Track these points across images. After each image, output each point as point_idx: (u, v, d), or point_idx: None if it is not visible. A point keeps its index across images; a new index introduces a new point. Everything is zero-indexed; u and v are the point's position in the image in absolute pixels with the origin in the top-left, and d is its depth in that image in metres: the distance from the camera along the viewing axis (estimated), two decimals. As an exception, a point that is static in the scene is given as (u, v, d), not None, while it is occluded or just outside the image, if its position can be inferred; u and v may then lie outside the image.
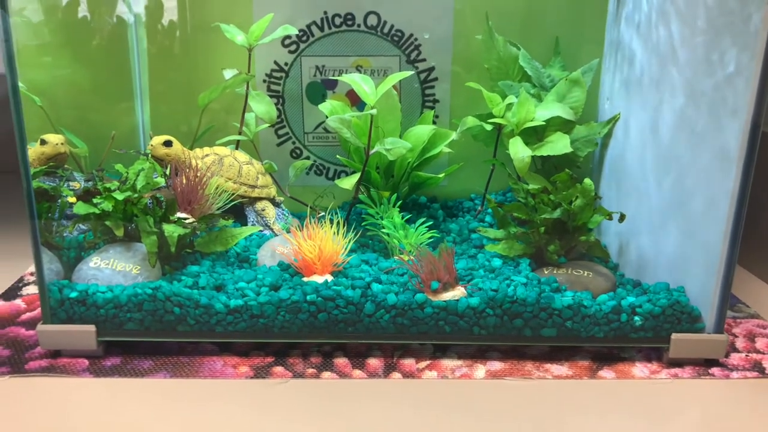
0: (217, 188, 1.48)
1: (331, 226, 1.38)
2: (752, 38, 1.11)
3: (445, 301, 1.29)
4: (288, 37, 1.73)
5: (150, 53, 1.76)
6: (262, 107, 1.61)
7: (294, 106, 1.81)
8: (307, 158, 1.84)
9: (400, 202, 1.59)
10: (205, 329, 1.28)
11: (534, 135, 1.53)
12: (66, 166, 1.60)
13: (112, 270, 1.32)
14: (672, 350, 1.30)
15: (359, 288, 1.30)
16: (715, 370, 1.31)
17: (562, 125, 1.51)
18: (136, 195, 1.31)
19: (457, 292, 1.30)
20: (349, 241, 1.39)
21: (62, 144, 1.55)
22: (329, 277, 1.34)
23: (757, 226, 1.18)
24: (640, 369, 1.31)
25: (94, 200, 1.30)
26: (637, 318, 1.29)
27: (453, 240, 1.66)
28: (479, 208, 1.74)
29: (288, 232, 1.62)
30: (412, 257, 1.35)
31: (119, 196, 1.28)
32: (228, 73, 1.62)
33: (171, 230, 1.28)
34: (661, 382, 1.27)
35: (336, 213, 1.77)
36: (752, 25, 1.11)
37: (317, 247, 1.33)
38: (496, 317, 1.29)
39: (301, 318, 1.28)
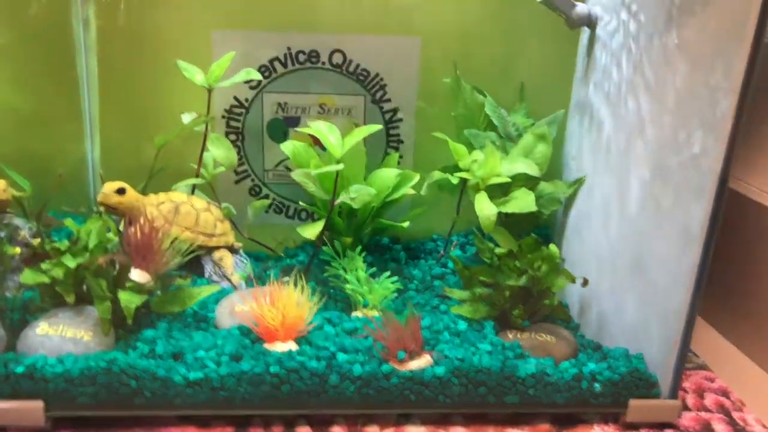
0: (174, 241, 1.42)
1: (294, 287, 1.34)
2: (719, 122, 1.12)
3: (411, 371, 1.27)
4: (249, 76, 1.66)
5: (102, 83, 1.67)
6: (221, 152, 1.55)
7: (254, 143, 1.75)
8: (266, 197, 1.79)
9: (363, 254, 1.56)
10: (163, 402, 1.23)
11: (499, 189, 1.52)
12: (8, 210, 1.51)
13: (61, 337, 1.26)
14: (629, 415, 1.32)
15: (324, 359, 1.27)
16: (668, 432, 1.34)
17: (527, 180, 1.51)
18: (88, 259, 1.24)
19: (423, 361, 1.29)
20: (314, 307, 1.35)
21: (3, 191, 1.45)
22: (292, 345, 1.31)
23: (713, 272, 1.22)
24: (597, 431, 1.33)
25: (43, 265, 1.22)
26: (597, 385, 1.31)
27: (416, 288, 1.64)
28: (441, 251, 1.73)
29: (247, 281, 1.58)
30: (375, 323, 1.32)
31: (70, 263, 1.21)
32: (186, 117, 1.55)
33: (128, 299, 1.22)
34: (619, 447, 1.30)
35: (296, 256, 1.75)
36: (719, 110, 1.12)
37: (280, 314, 1.29)
38: (461, 386, 1.29)
39: (263, 389, 1.25)
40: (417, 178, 1.64)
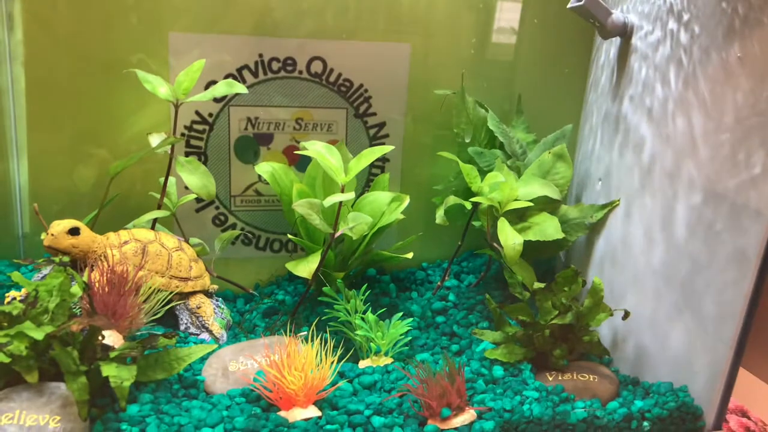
0: (149, 289, 1.16)
1: (312, 343, 1.12)
2: (783, 141, 1.05)
3: (456, 428, 1.10)
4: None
5: (29, 96, 1.35)
6: (195, 180, 1.29)
7: (219, 165, 1.50)
8: (233, 226, 1.54)
9: (369, 290, 1.36)
10: (161, 499, 0.98)
11: (514, 214, 1.38)
12: None
13: (19, 427, 0.96)
14: (676, 452, 1.23)
15: (359, 425, 1.07)
16: (713, 467, 1.26)
17: (545, 204, 1.38)
18: (56, 326, 0.96)
19: (467, 416, 1.12)
20: (335, 363, 1.14)
21: None
22: (314, 410, 1.09)
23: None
24: (646, 475, 1.23)
25: (-6, 338, 0.93)
26: (645, 423, 1.21)
27: (418, 325, 1.47)
28: (438, 282, 1.57)
29: (226, 329, 1.33)
30: (411, 376, 1.14)
31: (36, 334, 0.92)
32: (155, 139, 1.27)
33: (117, 375, 0.95)
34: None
35: (273, 294, 1.52)
36: (784, 128, 1.05)
37: (303, 377, 1.07)
38: (509, 441, 1.13)
39: (288, 470, 1.03)
40: (407, 200, 1.47)
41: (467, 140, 1.45)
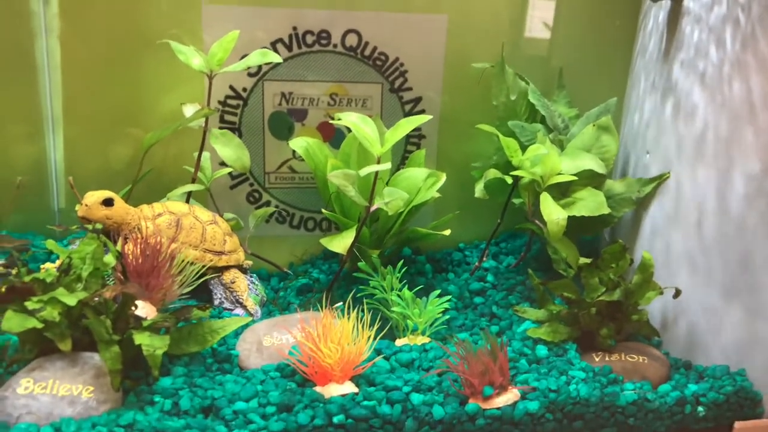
0: (183, 262, 1.14)
1: (348, 317, 1.09)
2: None
3: (499, 408, 1.05)
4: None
5: (65, 71, 1.34)
6: (230, 152, 1.27)
7: (253, 141, 1.47)
8: (267, 203, 1.52)
9: (404, 269, 1.32)
10: (199, 472, 0.95)
11: (557, 189, 1.32)
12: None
13: (52, 396, 0.94)
14: (733, 439, 1.16)
15: (398, 402, 1.03)
16: (770, 456, 1.19)
17: (590, 179, 1.32)
18: (89, 294, 0.93)
19: (511, 396, 1.07)
20: (372, 337, 1.11)
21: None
22: (351, 386, 1.06)
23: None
24: (700, 463, 1.16)
25: (29, 304, 0.91)
26: (700, 408, 1.14)
27: (455, 306, 1.42)
28: (476, 263, 1.52)
29: (261, 306, 1.30)
30: (452, 353, 1.10)
31: (69, 300, 0.90)
32: (189, 110, 1.25)
33: (150, 344, 0.93)
34: (728, 479, 1.14)
35: (307, 272, 1.49)
36: None
37: (339, 351, 1.03)
38: (555, 422, 1.08)
39: (325, 446, 0.99)
40: (444, 178, 1.42)
41: (506, 114, 1.40)
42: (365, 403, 1.01)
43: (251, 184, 1.50)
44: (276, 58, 1.27)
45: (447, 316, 1.30)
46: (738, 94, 1.10)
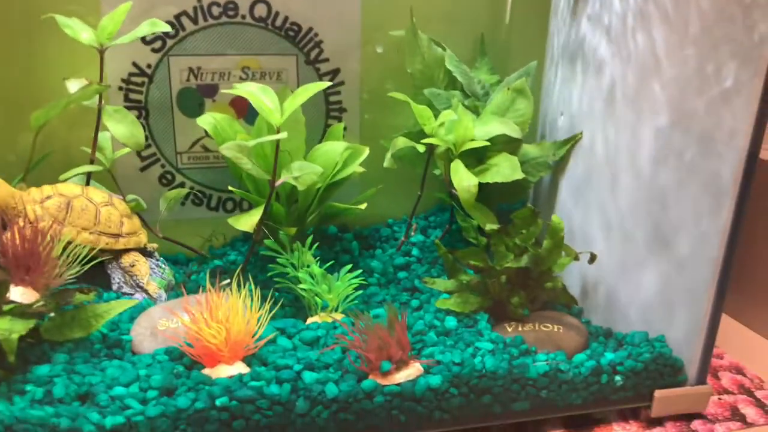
0: (68, 245, 1.07)
1: (238, 294, 1.03)
2: (756, 50, 0.93)
3: (399, 384, 1.00)
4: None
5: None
6: (123, 129, 1.21)
7: (161, 120, 1.41)
8: (182, 185, 1.46)
9: (316, 245, 1.26)
10: (70, 464, 0.89)
11: (473, 156, 1.27)
12: None
13: None
14: (654, 408, 1.12)
15: (287, 381, 0.97)
16: (697, 424, 1.15)
17: (506, 144, 1.27)
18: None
19: (413, 370, 1.02)
20: (265, 315, 1.05)
21: None
22: (242, 367, 1.00)
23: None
24: (620, 435, 1.12)
25: None
26: (618, 378, 1.09)
27: (378, 282, 1.37)
28: (402, 238, 1.46)
29: (168, 291, 1.25)
30: (348, 327, 1.04)
31: None
32: (73, 85, 1.19)
33: (7, 328, 0.87)
34: (649, 451, 1.09)
35: (225, 255, 1.43)
36: (756, 34, 0.93)
37: (224, 330, 0.98)
38: (461, 396, 1.03)
39: (208, 430, 0.94)
40: (366, 152, 1.36)
41: (422, 82, 1.34)
42: (252, 383, 0.96)
43: (162, 166, 1.43)
44: (165, 27, 1.21)
45: (364, 292, 1.25)
46: (642, 47, 1.05)
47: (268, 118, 1.16)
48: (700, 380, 1.13)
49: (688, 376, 1.13)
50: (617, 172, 1.11)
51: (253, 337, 1.02)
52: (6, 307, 0.91)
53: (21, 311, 0.93)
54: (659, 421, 1.14)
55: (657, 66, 1.03)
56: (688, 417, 1.16)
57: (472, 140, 1.23)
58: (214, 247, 1.47)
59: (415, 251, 1.43)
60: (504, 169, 1.21)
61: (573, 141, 1.20)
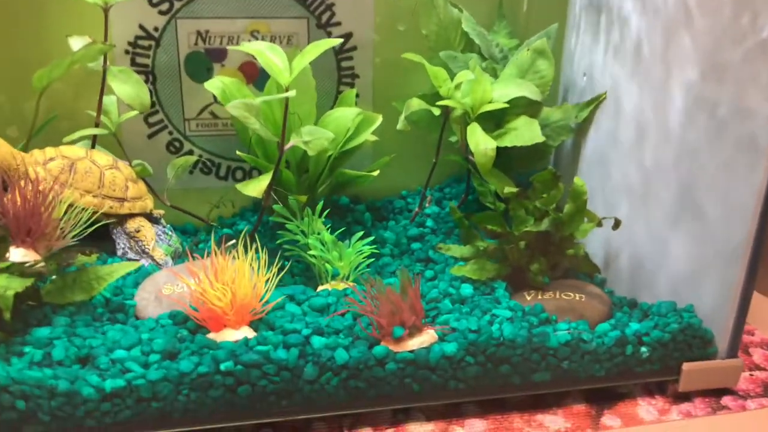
0: (70, 207, 1.04)
1: (245, 257, 0.99)
2: (796, -5, 0.86)
3: (412, 351, 0.95)
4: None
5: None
6: (128, 89, 1.17)
7: (169, 85, 1.37)
8: (190, 153, 1.42)
9: (326, 212, 1.22)
10: (70, 425, 0.86)
11: (491, 120, 1.22)
12: None
13: None
14: (683, 383, 1.06)
15: (295, 346, 0.93)
16: (727, 400, 1.09)
17: (526, 107, 1.21)
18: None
19: (426, 337, 0.97)
20: (272, 278, 1.01)
21: None
22: (248, 332, 0.96)
23: None
24: (645, 409, 1.06)
25: None
26: (644, 349, 1.04)
27: (390, 253, 1.32)
28: (416, 209, 1.41)
29: (174, 258, 1.21)
30: (359, 293, 1.00)
31: None
32: (76, 43, 1.15)
33: (3, 286, 0.83)
34: (676, 426, 1.03)
35: (234, 225, 1.39)
36: (797, -21, 0.86)
37: (229, 292, 0.93)
38: (478, 366, 0.98)
39: (212, 395, 0.90)
40: (379, 120, 1.31)
41: (438, 44, 1.28)
42: (258, 348, 0.92)
43: (170, 133, 1.39)
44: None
45: (376, 262, 1.20)
46: (672, -3, 0.98)
47: (276, 77, 1.11)
48: (732, 353, 1.07)
49: (718, 348, 1.07)
50: (644, 131, 1.05)
51: (260, 301, 0.98)
52: (3, 264, 0.88)
53: (20, 270, 0.90)
54: (687, 396, 1.09)
55: (688, 17, 0.97)
56: (718, 392, 1.10)
57: (490, 102, 1.18)
58: (224, 217, 1.43)
59: (429, 222, 1.38)
60: (524, 133, 1.15)
61: (597, 102, 1.14)
